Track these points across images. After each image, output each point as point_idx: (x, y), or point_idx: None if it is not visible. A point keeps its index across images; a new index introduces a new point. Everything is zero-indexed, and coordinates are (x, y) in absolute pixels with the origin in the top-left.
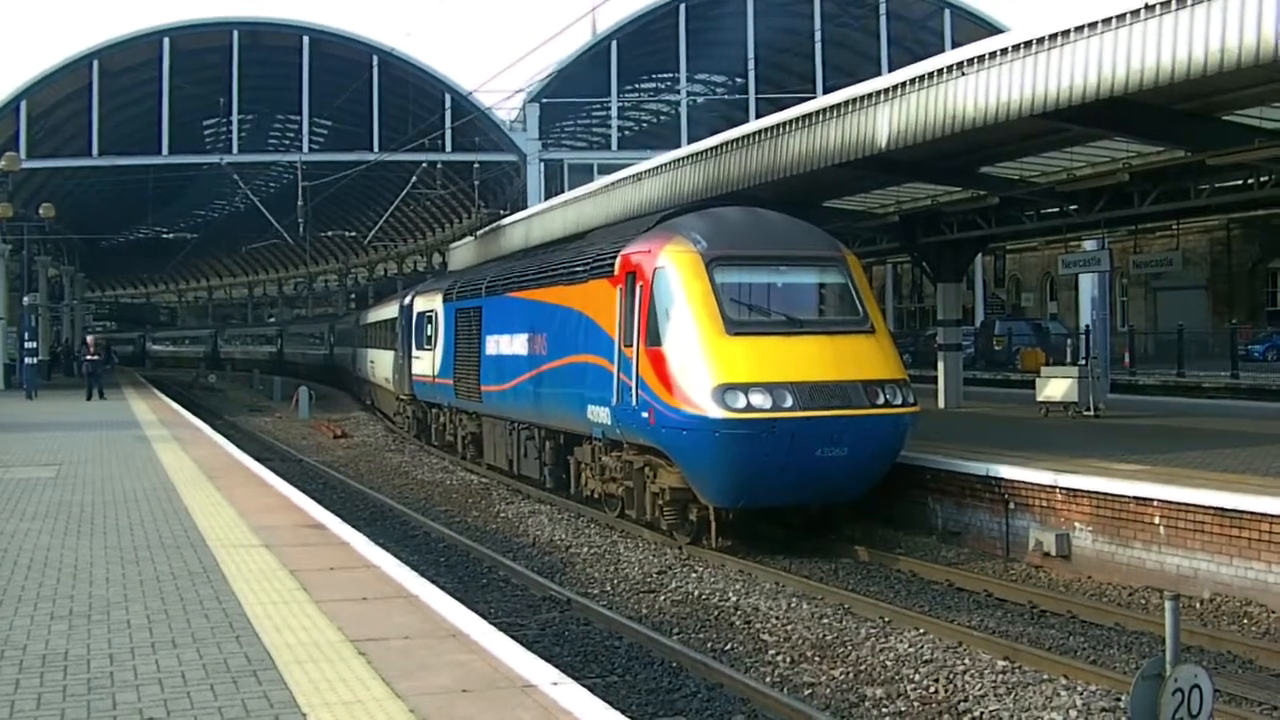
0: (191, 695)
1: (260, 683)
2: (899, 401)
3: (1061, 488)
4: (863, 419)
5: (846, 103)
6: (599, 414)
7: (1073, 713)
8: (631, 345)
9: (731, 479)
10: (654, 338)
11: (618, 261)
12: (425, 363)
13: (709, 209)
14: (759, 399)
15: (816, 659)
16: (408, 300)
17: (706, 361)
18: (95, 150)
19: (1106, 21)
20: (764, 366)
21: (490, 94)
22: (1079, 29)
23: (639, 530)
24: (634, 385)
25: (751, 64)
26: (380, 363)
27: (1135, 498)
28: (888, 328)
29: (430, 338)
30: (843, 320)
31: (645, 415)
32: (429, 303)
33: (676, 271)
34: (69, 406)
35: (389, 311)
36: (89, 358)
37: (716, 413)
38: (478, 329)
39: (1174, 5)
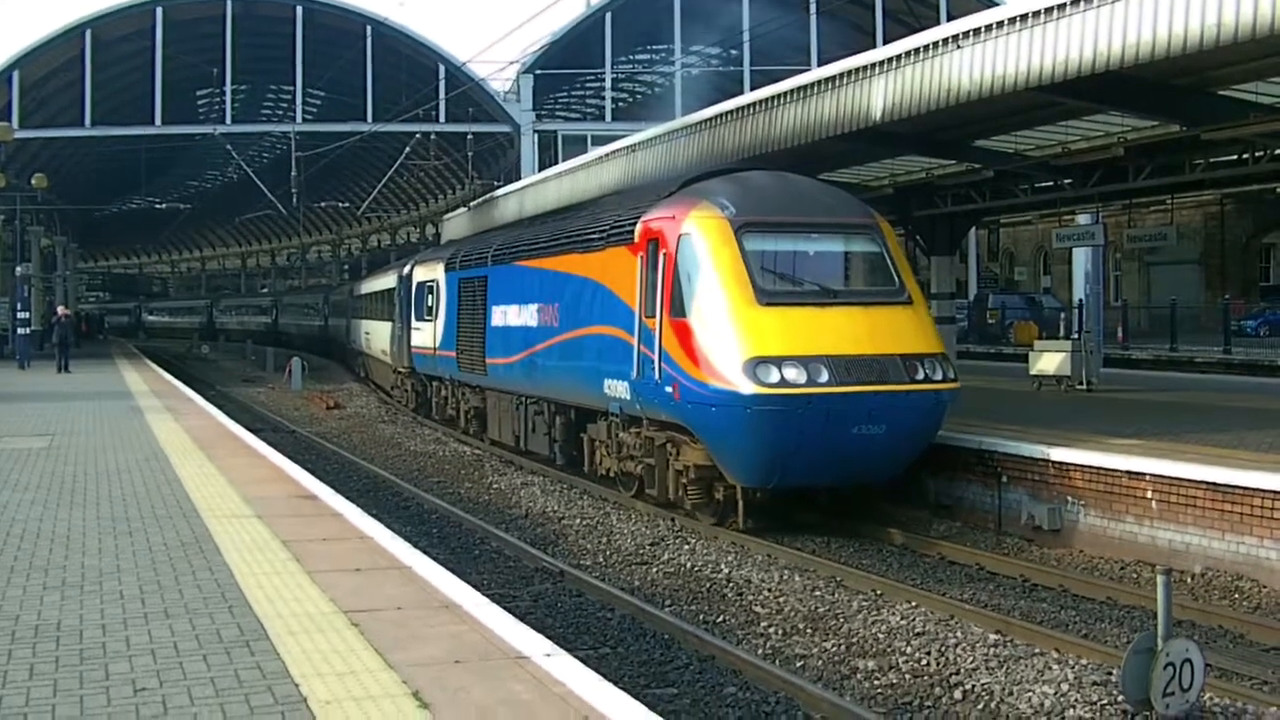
0: (184, 666)
1: (253, 653)
2: (939, 377)
3: (1054, 462)
4: (901, 395)
5: (841, 75)
6: (617, 388)
7: (1064, 686)
8: (654, 316)
9: (763, 457)
10: (679, 308)
11: (638, 228)
12: (426, 334)
13: (734, 173)
14: (793, 373)
15: (808, 631)
16: (407, 270)
17: (737, 333)
18: (88, 120)
19: None
20: (798, 339)
21: (484, 65)
22: (1074, 2)
23: (631, 501)
24: (657, 358)
25: (746, 35)
26: (376, 334)
27: (1128, 472)
28: (925, 299)
29: (431, 308)
30: (879, 290)
31: (669, 390)
32: (430, 272)
33: (703, 238)
34: (61, 377)
35: (387, 282)
36: (56, 320)
37: (748, 388)
38: (483, 299)
39: None
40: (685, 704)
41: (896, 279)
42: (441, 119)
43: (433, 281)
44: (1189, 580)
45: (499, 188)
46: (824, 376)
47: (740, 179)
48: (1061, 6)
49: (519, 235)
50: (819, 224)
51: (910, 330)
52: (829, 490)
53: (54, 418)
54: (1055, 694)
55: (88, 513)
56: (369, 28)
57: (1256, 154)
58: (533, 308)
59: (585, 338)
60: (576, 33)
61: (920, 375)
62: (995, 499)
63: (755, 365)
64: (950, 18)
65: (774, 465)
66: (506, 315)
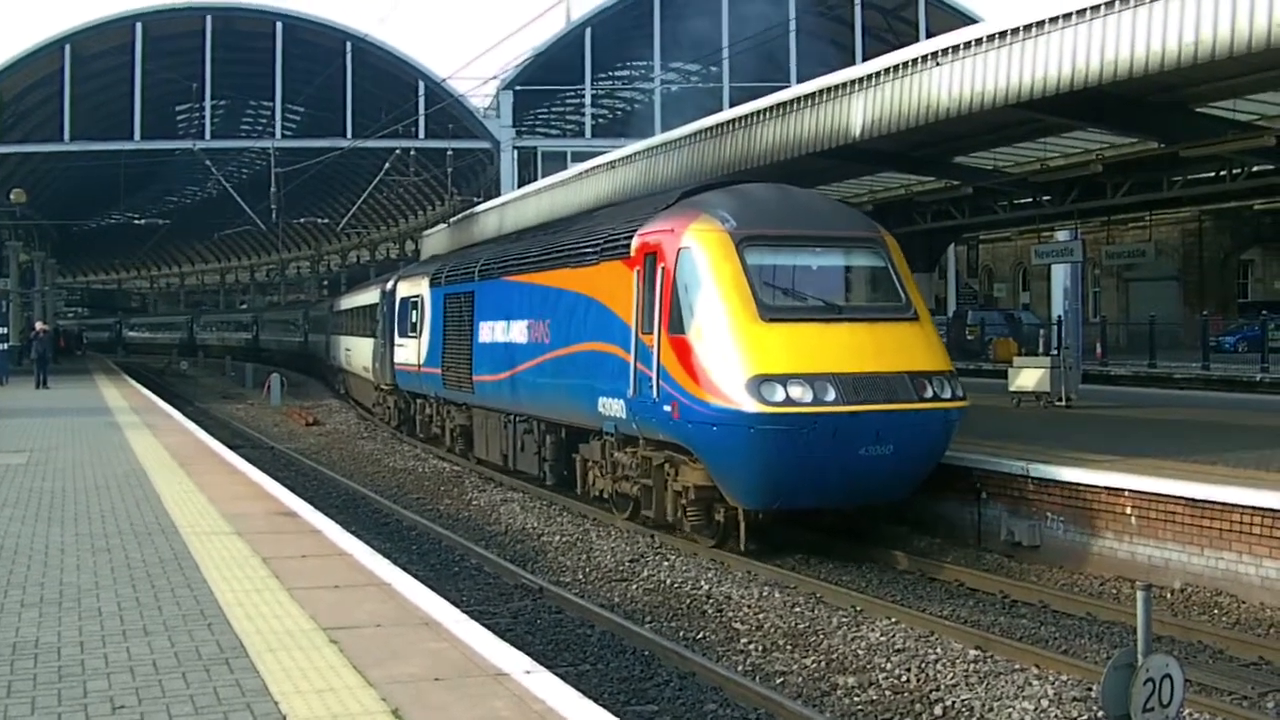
0: (163, 683)
1: (232, 671)
2: (948, 395)
3: (1033, 478)
4: (910, 414)
5: (820, 92)
6: (612, 407)
7: (1044, 702)
8: (652, 333)
9: (766, 479)
10: (678, 324)
11: (634, 242)
12: (410, 351)
13: (733, 185)
14: (798, 392)
15: (788, 648)
16: (390, 285)
17: (740, 350)
18: (67, 135)
19: (1081, 13)
20: (802, 356)
21: (464, 81)
22: (1054, 20)
23: (611, 518)
24: (655, 376)
25: (725, 52)
26: (357, 351)
27: (1107, 488)
28: (931, 314)
29: (416, 324)
30: (885, 306)
31: (668, 409)
32: (414, 287)
33: (703, 252)
34: (40, 393)
35: (368, 297)
36: (35, 336)
37: (751, 406)
38: (469, 315)
39: None
40: None
41: (902, 294)
42: (421, 135)
43: (417, 297)
44: (1168, 596)
45: (479, 204)
46: (830, 395)
47: (740, 191)
48: (1040, 24)
49: (507, 250)
50: (822, 237)
51: (917, 347)
52: (833, 511)
53: (32, 434)
54: (1035, 710)
55: (66, 529)
56: (349, 44)
57: (1234, 171)
58: (522, 324)
59: (578, 354)
60: (556, 49)
61: (929, 393)
62: (975, 515)
63: (759, 383)
64: (930, 34)
65: (778, 487)
66: (494, 331)
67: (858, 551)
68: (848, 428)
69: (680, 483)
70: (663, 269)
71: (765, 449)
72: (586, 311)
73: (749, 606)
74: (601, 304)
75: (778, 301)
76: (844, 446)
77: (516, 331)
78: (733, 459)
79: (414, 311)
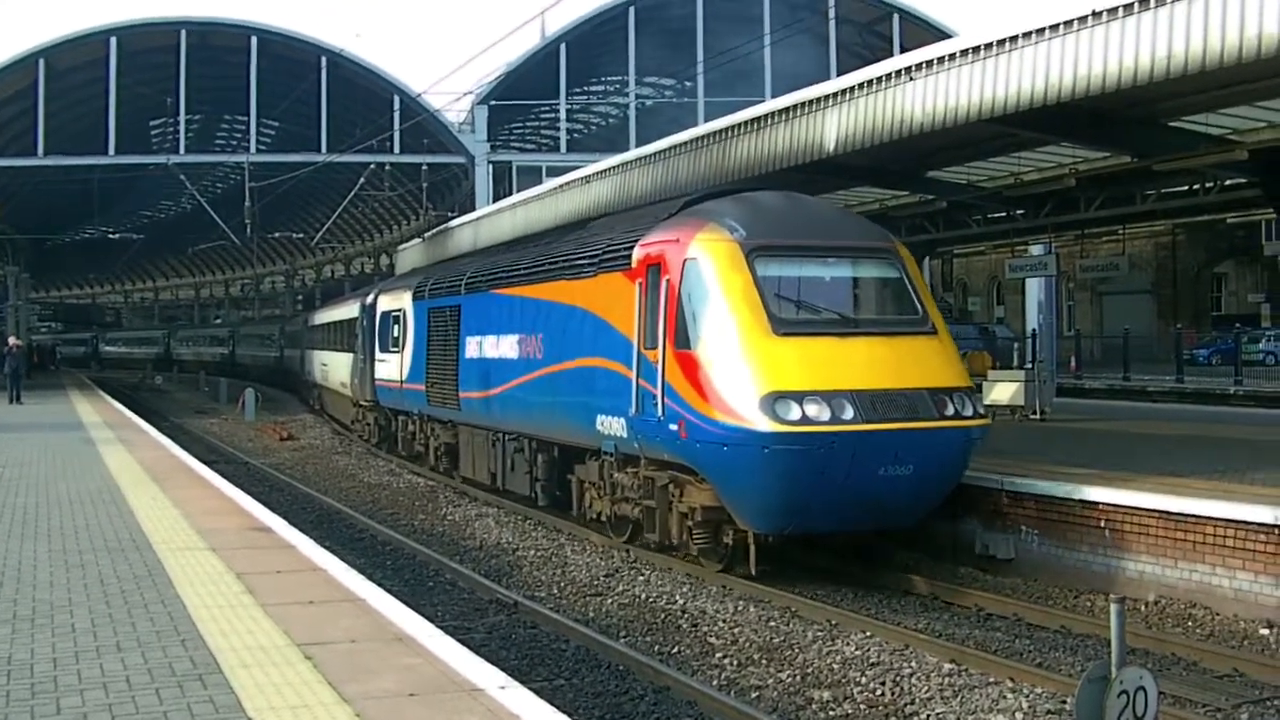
0: (136, 700)
1: (206, 687)
2: (968, 412)
3: (1008, 491)
4: (931, 433)
5: (794, 107)
6: (612, 425)
7: (1019, 715)
8: (655, 348)
9: (780, 501)
10: (684, 339)
11: (636, 253)
12: (391, 366)
13: (739, 193)
14: (814, 409)
15: (764, 662)
16: (370, 299)
17: (752, 366)
18: (41, 150)
19: (1054, 28)
20: (818, 372)
21: (439, 96)
22: (1027, 35)
23: (585, 533)
24: (659, 393)
25: (700, 67)
26: (335, 366)
27: (1081, 501)
28: (948, 328)
29: (398, 339)
30: (901, 320)
31: (674, 427)
32: (396, 301)
33: (711, 263)
34: (13, 408)
35: (347, 311)
36: (8, 351)
37: (765, 425)
38: (455, 330)
39: (1120, 13)
40: None
41: (919, 307)
42: (396, 150)
43: (399, 311)
44: (1143, 608)
45: (453, 218)
46: (849, 413)
47: (748, 199)
48: (1014, 39)
49: (496, 262)
50: (835, 247)
51: (936, 362)
52: (846, 534)
53: (5, 449)
54: None
55: (39, 545)
56: (324, 58)
57: (1207, 184)
58: (513, 338)
59: (574, 370)
60: (531, 64)
61: (949, 411)
62: (950, 528)
63: (774, 400)
64: (904, 49)
65: (792, 509)
66: (483, 346)
67: (834, 566)
68: (866, 447)
69: (686, 504)
70: (667, 281)
71: (780, 470)
72: (583, 325)
73: (724, 621)
74: (599, 317)
75: (790, 315)
76: (862, 467)
77: (507, 346)
78: (744, 480)
79: (396, 326)
